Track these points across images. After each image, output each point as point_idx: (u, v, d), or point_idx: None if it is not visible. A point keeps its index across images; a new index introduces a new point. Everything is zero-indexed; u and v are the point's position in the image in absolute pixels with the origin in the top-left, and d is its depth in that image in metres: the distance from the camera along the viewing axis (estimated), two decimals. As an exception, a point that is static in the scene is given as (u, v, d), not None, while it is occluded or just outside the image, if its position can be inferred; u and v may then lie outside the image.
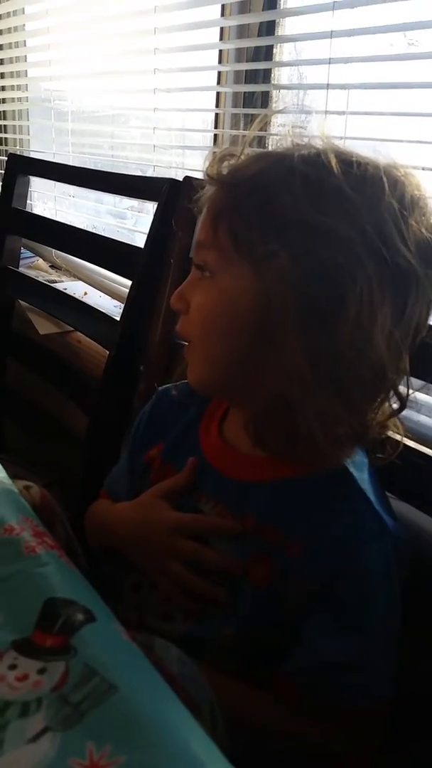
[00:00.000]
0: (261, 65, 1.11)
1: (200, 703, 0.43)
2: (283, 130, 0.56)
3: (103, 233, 1.33)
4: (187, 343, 0.57)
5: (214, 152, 0.56)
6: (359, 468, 0.55)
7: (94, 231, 1.32)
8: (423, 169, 0.74)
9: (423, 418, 0.73)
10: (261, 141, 0.96)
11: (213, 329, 0.54)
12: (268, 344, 0.50)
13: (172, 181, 0.94)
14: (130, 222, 1.42)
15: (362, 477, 0.55)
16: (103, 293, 1.35)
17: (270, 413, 0.54)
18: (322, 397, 0.49)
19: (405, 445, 0.56)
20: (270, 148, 0.60)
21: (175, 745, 0.33)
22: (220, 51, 1.15)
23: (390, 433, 0.56)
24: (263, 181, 0.51)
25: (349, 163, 0.50)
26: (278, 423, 0.53)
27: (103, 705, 0.34)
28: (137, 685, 0.36)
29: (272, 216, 0.49)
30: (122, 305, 1.06)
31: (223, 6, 1.11)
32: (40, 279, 1.34)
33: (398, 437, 0.56)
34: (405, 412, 0.54)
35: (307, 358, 0.48)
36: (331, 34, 0.88)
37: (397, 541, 0.53)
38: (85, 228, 1.34)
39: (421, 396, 0.58)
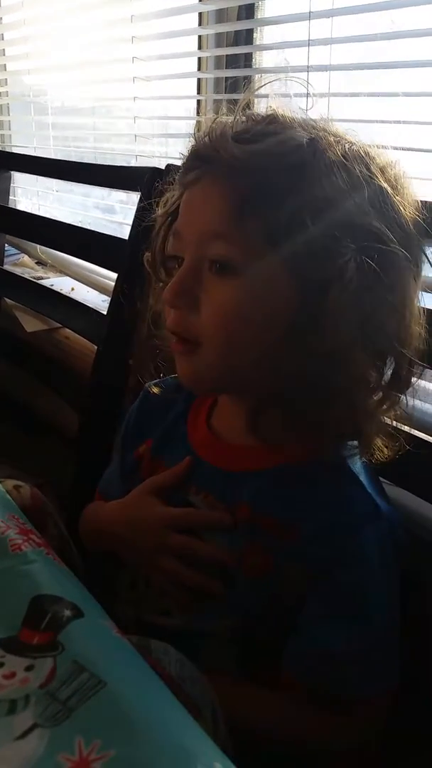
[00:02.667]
0: (241, 49, 1.10)
1: (201, 704, 0.42)
2: (283, 100, 0.53)
3: (91, 228, 1.31)
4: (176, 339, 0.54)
5: (213, 126, 0.51)
6: (349, 452, 0.55)
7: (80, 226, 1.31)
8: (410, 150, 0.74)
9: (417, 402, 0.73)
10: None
11: (237, 334, 0.50)
12: (300, 344, 0.48)
13: (154, 170, 0.93)
14: (120, 216, 1.41)
15: (354, 461, 0.54)
16: (90, 288, 1.34)
17: (276, 404, 0.52)
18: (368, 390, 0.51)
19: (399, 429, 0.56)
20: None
21: (166, 738, 0.32)
22: (200, 37, 1.14)
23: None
24: (302, 171, 0.47)
25: (382, 160, 0.50)
26: (285, 413, 0.52)
27: (92, 700, 0.34)
28: (126, 679, 0.36)
29: (321, 214, 0.46)
30: (110, 299, 1.05)
31: (200, -9, 1.10)
32: (26, 276, 1.33)
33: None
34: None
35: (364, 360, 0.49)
36: (309, 16, 0.87)
37: (392, 524, 0.53)
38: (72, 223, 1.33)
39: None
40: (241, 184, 0.48)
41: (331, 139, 0.49)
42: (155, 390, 0.67)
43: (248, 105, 0.56)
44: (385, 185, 0.49)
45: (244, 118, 0.52)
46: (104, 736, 0.32)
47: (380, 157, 0.51)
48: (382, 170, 0.50)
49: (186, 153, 0.53)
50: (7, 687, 0.35)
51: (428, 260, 0.53)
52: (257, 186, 0.47)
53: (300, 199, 0.47)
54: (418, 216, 0.51)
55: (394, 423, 0.55)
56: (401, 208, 0.50)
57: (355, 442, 0.54)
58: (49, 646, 0.37)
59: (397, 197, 0.50)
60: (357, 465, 0.54)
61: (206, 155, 0.50)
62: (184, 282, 0.51)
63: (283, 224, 0.47)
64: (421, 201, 0.52)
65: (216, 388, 0.58)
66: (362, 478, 0.54)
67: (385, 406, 0.52)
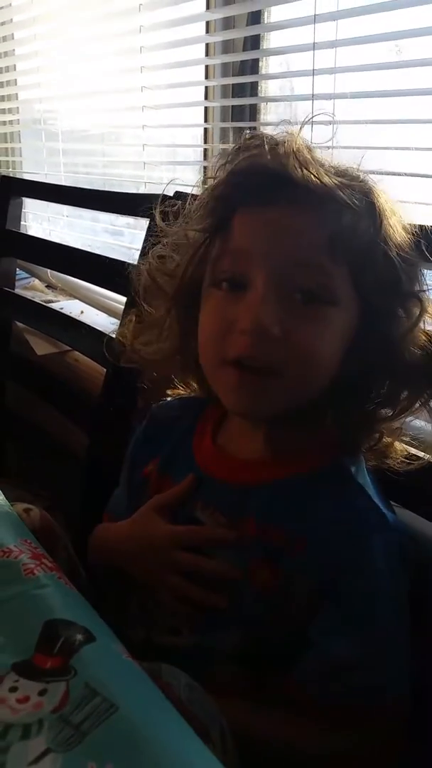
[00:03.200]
0: (247, 79, 1.12)
1: (210, 727, 0.43)
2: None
3: (99, 252, 1.33)
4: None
5: (302, 150, 0.50)
6: (355, 463, 0.56)
7: (89, 250, 1.33)
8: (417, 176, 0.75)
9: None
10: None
11: (322, 364, 0.51)
12: (355, 366, 0.52)
13: (163, 197, 0.94)
14: (127, 239, 1.43)
15: (359, 472, 0.56)
16: (99, 311, 1.36)
17: (299, 418, 0.54)
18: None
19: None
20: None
21: (177, 762, 0.33)
22: (207, 66, 1.16)
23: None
24: (374, 210, 0.50)
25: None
26: (304, 426, 0.55)
27: (104, 724, 0.34)
28: (138, 703, 0.36)
29: (396, 256, 0.50)
30: (119, 322, 1.06)
31: (207, 23, 1.12)
32: (37, 300, 1.35)
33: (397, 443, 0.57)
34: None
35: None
36: (314, 46, 0.89)
37: (400, 534, 0.54)
38: (80, 247, 1.35)
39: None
40: (334, 216, 0.49)
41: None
42: (162, 410, 0.68)
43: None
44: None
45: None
46: (116, 761, 0.32)
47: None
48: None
49: (240, 170, 0.52)
50: (21, 712, 0.36)
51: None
52: (349, 221, 0.49)
53: (380, 238, 0.50)
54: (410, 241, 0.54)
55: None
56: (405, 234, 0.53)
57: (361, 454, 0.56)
58: (61, 671, 0.38)
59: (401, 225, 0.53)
60: (362, 474, 0.56)
61: (288, 178, 0.48)
62: (270, 307, 0.48)
63: (367, 261, 0.49)
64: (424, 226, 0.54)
65: (272, 417, 0.55)
66: (368, 487, 0.55)
67: (400, 422, 0.55)
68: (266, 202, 0.50)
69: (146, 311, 0.62)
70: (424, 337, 0.53)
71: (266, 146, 0.51)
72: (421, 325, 0.53)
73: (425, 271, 0.55)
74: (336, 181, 0.49)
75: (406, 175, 0.59)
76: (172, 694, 0.41)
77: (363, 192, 0.50)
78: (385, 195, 0.52)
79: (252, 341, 0.49)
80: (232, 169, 0.53)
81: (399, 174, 0.58)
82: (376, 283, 0.50)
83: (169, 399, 0.68)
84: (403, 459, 0.56)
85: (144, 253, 0.96)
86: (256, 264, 0.49)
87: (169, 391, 0.68)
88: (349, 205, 0.48)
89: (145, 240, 0.96)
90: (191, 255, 0.55)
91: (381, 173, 0.54)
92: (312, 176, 0.48)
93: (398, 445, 0.57)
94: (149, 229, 0.96)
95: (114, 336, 0.69)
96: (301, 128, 0.53)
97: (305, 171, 0.48)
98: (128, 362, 0.64)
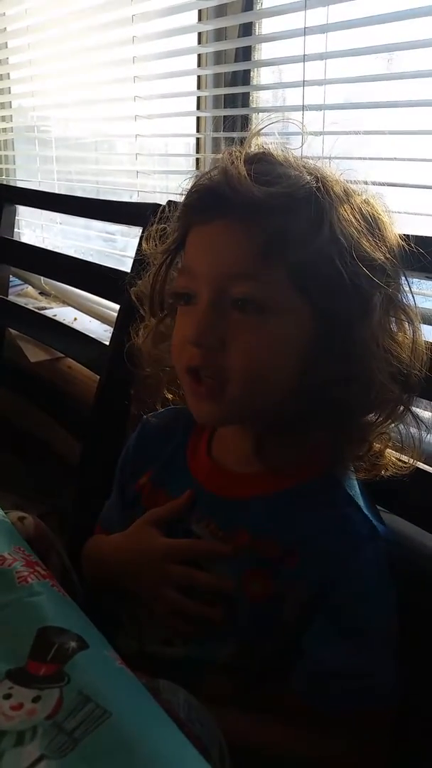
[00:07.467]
0: (238, 89, 1.13)
1: (209, 745, 0.43)
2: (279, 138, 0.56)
3: (92, 259, 1.34)
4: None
5: (225, 165, 0.51)
6: (345, 475, 0.57)
7: (82, 257, 1.33)
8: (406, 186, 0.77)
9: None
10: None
11: (265, 371, 0.52)
12: (320, 373, 0.51)
13: (155, 206, 0.95)
14: (120, 245, 1.44)
15: (349, 483, 0.56)
16: (92, 318, 1.37)
17: (282, 429, 0.55)
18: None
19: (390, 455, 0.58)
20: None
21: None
22: (199, 77, 1.17)
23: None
24: (321, 212, 0.50)
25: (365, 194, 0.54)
26: (292, 438, 0.55)
27: (97, 731, 0.35)
28: (130, 710, 0.36)
29: (348, 256, 0.49)
30: (112, 329, 1.07)
31: (199, 34, 1.13)
32: (30, 306, 1.35)
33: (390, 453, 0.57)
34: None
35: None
36: (304, 58, 0.90)
37: (388, 544, 0.54)
38: (73, 254, 1.36)
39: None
40: (265, 225, 0.49)
41: (330, 176, 0.53)
42: (153, 421, 0.68)
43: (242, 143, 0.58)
44: (385, 219, 0.53)
45: (247, 156, 0.53)
46: (109, 767, 0.33)
47: (365, 192, 0.54)
48: (368, 203, 0.54)
49: (193, 190, 0.54)
50: (14, 718, 0.36)
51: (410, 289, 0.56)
52: (282, 227, 0.49)
53: (323, 240, 0.49)
54: (396, 248, 0.54)
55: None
56: (390, 239, 0.53)
57: (351, 466, 0.56)
58: (55, 678, 0.38)
59: (386, 230, 0.53)
60: (352, 485, 0.56)
61: (223, 195, 0.50)
62: (209, 320, 0.51)
63: (308, 264, 0.49)
64: (409, 235, 0.55)
65: (233, 422, 0.58)
66: (358, 498, 0.55)
67: (385, 430, 0.55)
68: (207, 220, 0.52)
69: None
70: (398, 340, 0.53)
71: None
72: (391, 328, 0.53)
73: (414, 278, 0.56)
74: (271, 191, 0.49)
75: (390, 185, 0.60)
76: (172, 711, 0.41)
77: (306, 197, 0.50)
78: (344, 201, 0.51)
79: (196, 351, 0.52)
80: (191, 187, 0.55)
81: (385, 184, 0.58)
82: (324, 287, 0.50)
83: (160, 410, 0.68)
84: (395, 468, 0.56)
85: (142, 267, 0.97)
86: (201, 280, 0.52)
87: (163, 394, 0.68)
88: (284, 213, 0.49)
89: (138, 249, 0.97)
90: (154, 273, 0.59)
91: (364, 182, 0.55)
92: (242, 190, 0.49)
93: (389, 455, 0.57)
94: (142, 237, 0.97)
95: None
96: (249, 140, 0.56)
97: (234, 186, 0.49)
98: (150, 363, 0.65)
